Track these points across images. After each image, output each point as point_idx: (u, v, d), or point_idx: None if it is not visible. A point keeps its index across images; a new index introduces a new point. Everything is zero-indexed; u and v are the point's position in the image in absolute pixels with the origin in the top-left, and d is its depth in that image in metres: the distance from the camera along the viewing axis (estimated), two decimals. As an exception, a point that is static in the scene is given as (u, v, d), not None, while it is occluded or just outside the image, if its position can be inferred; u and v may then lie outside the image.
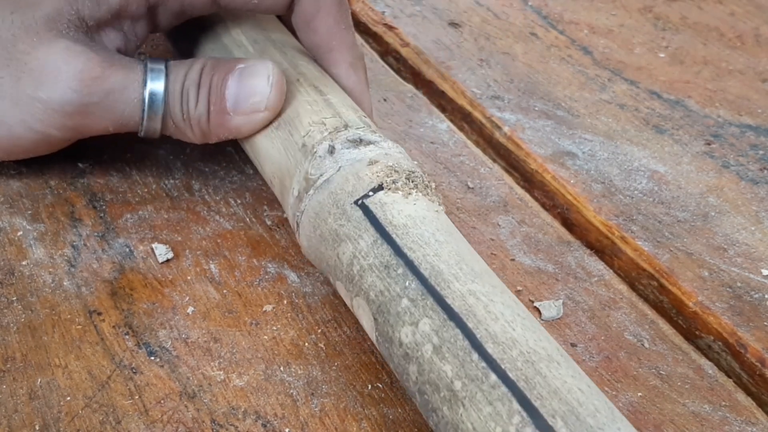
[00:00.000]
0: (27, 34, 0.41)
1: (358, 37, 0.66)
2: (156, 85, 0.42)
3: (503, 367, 0.30)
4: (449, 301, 0.32)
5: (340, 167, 0.38)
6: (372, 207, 0.36)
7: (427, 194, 0.37)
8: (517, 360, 0.30)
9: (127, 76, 0.42)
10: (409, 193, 0.36)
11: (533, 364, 0.30)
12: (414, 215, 0.35)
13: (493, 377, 0.30)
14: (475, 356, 0.30)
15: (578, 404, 0.28)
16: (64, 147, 0.45)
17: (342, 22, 0.45)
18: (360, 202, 0.36)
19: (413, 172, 0.38)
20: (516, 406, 0.29)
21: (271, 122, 0.43)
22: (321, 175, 0.38)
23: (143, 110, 0.42)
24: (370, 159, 0.38)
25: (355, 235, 0.36)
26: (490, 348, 0.30)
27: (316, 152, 0.39)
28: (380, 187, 0.36)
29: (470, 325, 0.31)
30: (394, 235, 0.35)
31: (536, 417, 0.28)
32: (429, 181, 0.38)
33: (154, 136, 0.44)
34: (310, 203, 0.38)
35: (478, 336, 0.31)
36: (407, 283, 0.33)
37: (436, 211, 0.36)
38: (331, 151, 0.39)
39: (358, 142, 0.39)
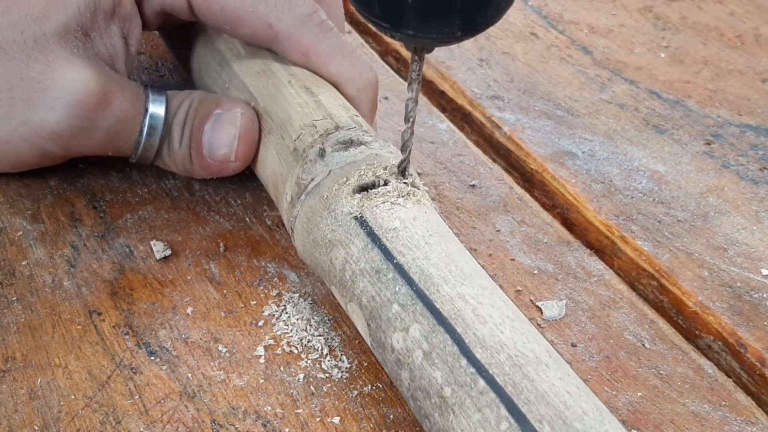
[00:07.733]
0: (41, 53, 0.41)
1: (358, 37, 0.66)
2: (155, 118, 0.43)
3: (491, 372, 0.29)
4: (438, 305, 0.32)
5: (330, 171, 0.38)
6: (362, 211, 0.36)
7: (418, 194, 0.37)
8: (504, 364, 0.30)
9: (134, 104, 0.43)
10: (400, 194, 0.36)
11: (521, 367, 0.29)
12: (404, 217, 0.35)
13: (482, 383, 0.29)
14: (464, 362, 0.30)
15: (565, 408, 0.28)
16: (64, 161, 0.46)
17: (334, 54, 0.44)
18: (350, 206, 0.36)
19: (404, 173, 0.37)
20: (504, 412, 0.28)
21: (263, 128, 0.43)
22: (312, 180, 0.38)
23: (139, 141, 0.43)
24: (360, 161, 0.37)
25: (347, 240, 0.35)
26: (478, 353, 0.30)
27: (306, 156, 0.39)
28: (370, 190, 0.36)
29: (459, 330, 0.31)
30: (384, 239, 0.34)
31: (523, 423, 0.28)
32: (418, 180, 0.38)
33: (145, 164, 0.45)
34: (302, 208, 0.38)
35: (466, 341, 0.30)
36: (397, 288, 0.33)
37: (426, 212, 0.36)
38: (322, 154, 0.39)
39: (349, 143, 0.39)
